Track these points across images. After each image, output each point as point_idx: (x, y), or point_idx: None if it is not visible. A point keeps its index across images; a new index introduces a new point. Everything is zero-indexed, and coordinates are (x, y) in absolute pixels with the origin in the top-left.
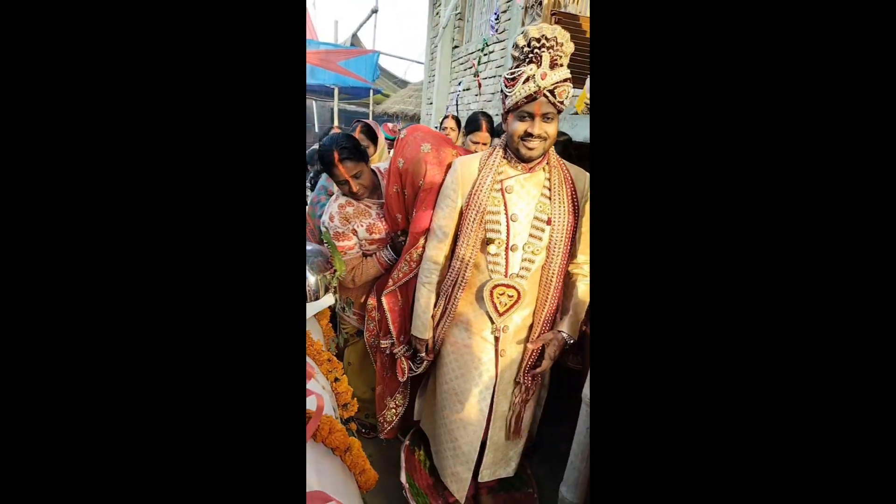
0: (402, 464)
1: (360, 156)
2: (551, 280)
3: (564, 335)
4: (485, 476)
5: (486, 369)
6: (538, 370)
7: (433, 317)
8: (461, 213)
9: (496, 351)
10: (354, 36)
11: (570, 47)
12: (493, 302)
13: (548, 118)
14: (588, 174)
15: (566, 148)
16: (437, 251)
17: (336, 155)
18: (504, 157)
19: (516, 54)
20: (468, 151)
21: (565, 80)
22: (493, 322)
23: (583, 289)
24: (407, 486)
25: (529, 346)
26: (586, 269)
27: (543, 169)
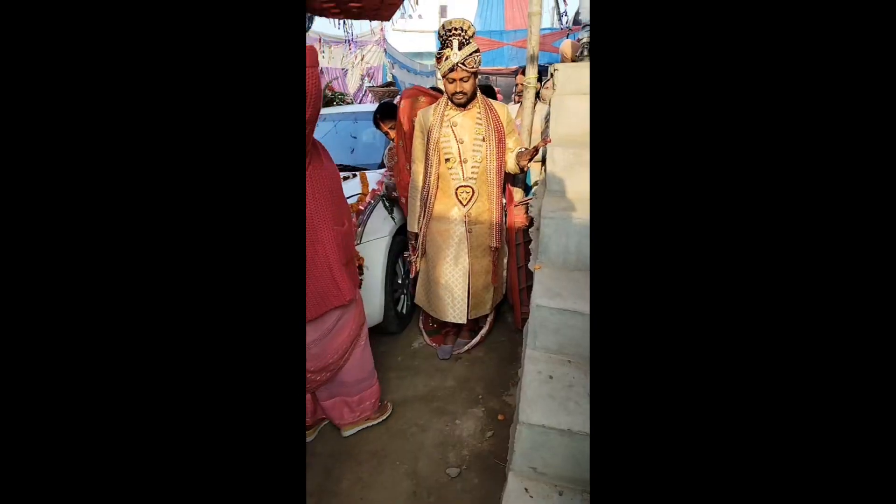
0: (420, 323)
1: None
2: (492, 175)
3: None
4: (471, 315)
5: (459, 242)
6: (524, 163)
7: (419, 218)
8: (427, 144)
9: (466, 229)
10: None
11: (472, 30)
12: (458, 198)
13: (464, 80)
14: (505, 106)
15: (490, 91)
16: (416, 172)
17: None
18: (448, 104)
19: (439, 40)
20: (431, 94)
21: (471, 54)
22: (459, 211)
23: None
24: (422, 328)
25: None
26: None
27: (476, 107)
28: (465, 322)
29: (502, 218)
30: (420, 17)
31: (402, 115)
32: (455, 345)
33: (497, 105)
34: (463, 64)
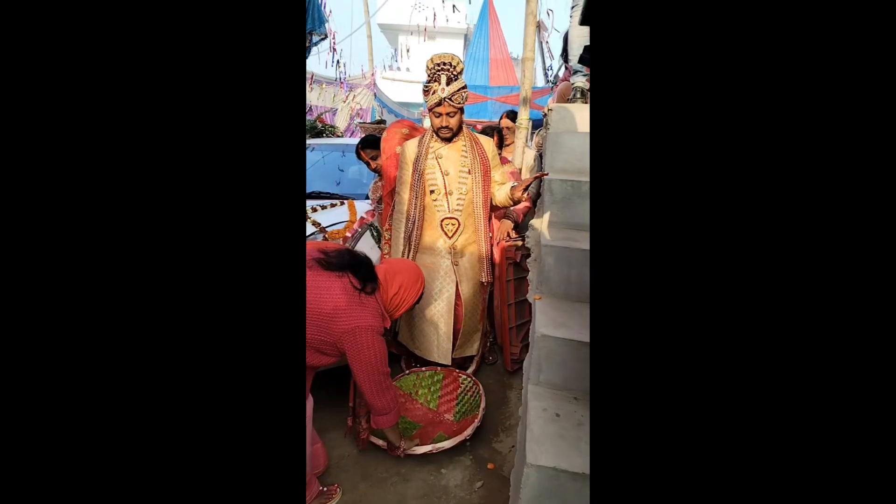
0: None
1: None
2: (479, 207)
3: (513, 185)
4: (455, 354)
5: (445, 275)
6: (519, 195)
7: (403, 252)
8: (412, 175)
9: (452, 262)
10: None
11: (460, 66)
12: (443, 230)
13: (451, 115)
14: (491, 140)
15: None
16: (401, 201)
17: (357, 146)
18: (434, 137)
19: (427, 73)
20: (412, 127)
21: (458, 90)
22: (445, 242)
23: (501, 186)
24: (404, 367)
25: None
26: (501, 183)
27: (461, 140)
28: (449, 363)
29: (490, 251)
30: (408, 69)
31: (385, 143)
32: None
33: (482, 139)
34: (450, 99)
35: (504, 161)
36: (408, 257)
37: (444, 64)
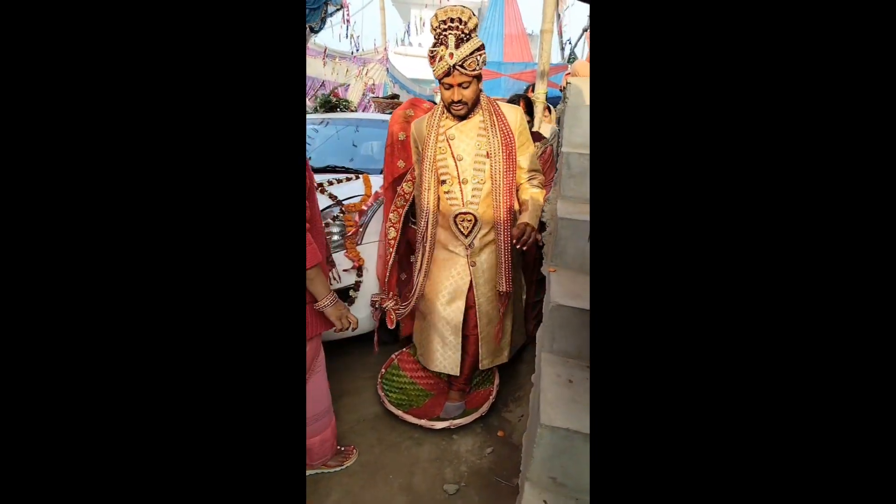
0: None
1: None
2: (500, 199)
3: (526, 222)
4: (485, 364)
5: (459, 276)
6: (519, 245)
7: (419, 252)
8: (421, 164)
9: (468, 262)
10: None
11: (473, 22)
12: (457, 227)
13: (464, 85)
14: (519, 109)
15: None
16: (418, 197)
17: None
18: (445, 113)
19: (433, 35)
20: (414, 105)
21: (473, 53)
22: (460, 242)
23: (531, 191)
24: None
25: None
26: (535, 181)
27: (478, 114)
28: (456, 374)
29: (511, 255)
30: (420, 45)
31: (392, 124)
32: (444, 409)
33: (507, 109)
34: (462, 66)
35: (537, 137)
36: (423, 257)
37: (452, 21)
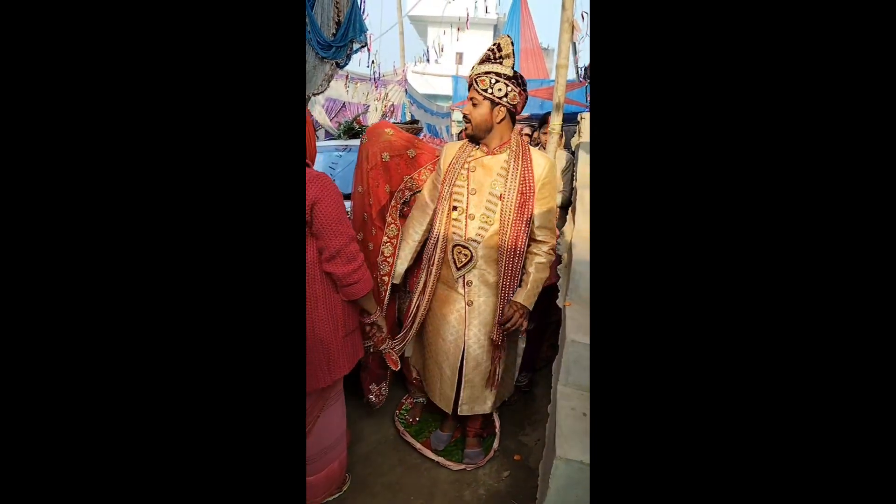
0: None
1: None
2: (506, 246)
3: (520, 303)
4: (463, 410)
5: (457, 313)
6: (507, 327)
7: (421, 276)
8: (441, 186)
9: (465, 301)
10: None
11: (507, 50)
12: (452, 258)
13: (474, 102)
14: (552, 161)
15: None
16: (423, 215)
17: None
18: (474, 143)
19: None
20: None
21: (487, 73)
22: (454, 274)
23: (535, 262)
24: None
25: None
26: (543, 248)
27: (506, 152)
28: (449, 411)
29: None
30: (437, 62)
31: (371, 145)
32: (433, 437)
33: (538, 157)
34: (475, 82)
35: None
36: (425, 284)
37: (495, 44)
